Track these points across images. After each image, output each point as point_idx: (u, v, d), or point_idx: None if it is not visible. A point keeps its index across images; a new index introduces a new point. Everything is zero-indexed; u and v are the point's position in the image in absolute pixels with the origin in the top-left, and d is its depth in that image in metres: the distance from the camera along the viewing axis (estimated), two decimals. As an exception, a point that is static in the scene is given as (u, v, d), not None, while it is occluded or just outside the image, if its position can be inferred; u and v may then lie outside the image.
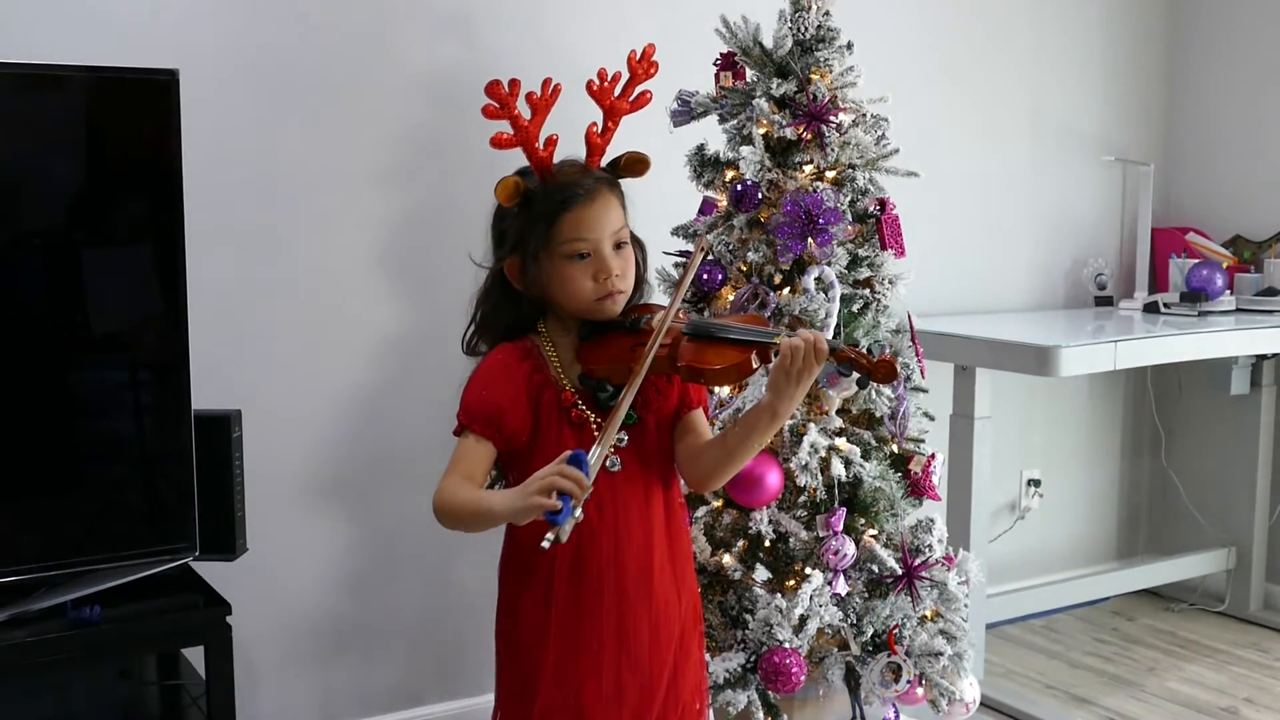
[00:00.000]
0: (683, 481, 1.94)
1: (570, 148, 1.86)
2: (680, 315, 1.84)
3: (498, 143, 1.79)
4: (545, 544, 1.54)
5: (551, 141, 1.80)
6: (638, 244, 1.87)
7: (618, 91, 1.87)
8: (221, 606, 2.25)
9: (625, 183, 1.87)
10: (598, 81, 1.86)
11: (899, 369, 1.72)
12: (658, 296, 2.35)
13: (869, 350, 1.72)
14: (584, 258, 1.77)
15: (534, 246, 1.77)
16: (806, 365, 1.70)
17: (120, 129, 2.22)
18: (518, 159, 1.85)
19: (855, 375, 1.72)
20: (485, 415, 1.76)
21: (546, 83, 1.80)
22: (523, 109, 1.78)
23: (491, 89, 1.76)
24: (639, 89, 1.89)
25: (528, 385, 1.78)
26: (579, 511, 1.56)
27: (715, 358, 1.75)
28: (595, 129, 1.85)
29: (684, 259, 2.60)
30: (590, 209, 1.77)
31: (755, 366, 1.76)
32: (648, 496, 1.84)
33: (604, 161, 1.87)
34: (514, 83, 1.76)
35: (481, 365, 1.82)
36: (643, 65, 1.89)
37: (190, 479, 2.26)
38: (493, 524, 1.71)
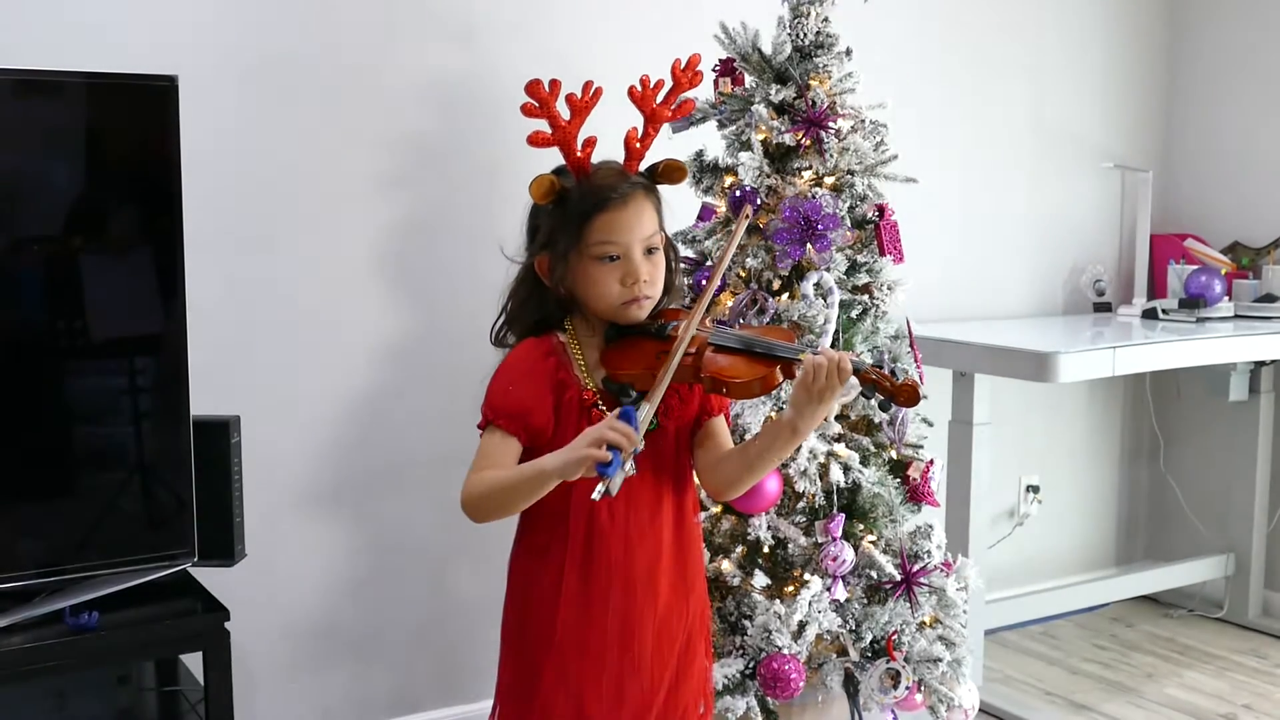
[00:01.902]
0: (700, 489, 1.94)
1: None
2: (707, 325, 1.84)
3: (535, 141, 1.79)
4: (596, 496, 1.58)
5: (590, 143, 1.81)
6: (672, 248, 1.88)
7: (659, 99, 1.87)
8: (220, 612, 2.25)
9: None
10: (640, 88, 1.86)
11: (921, 393, 1.71)
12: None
13: (893, 371, 1.71)
14: (613, 260, 1.78)
15: (564, 246, 1.78)
16: (830, 384, 1.69)
17: (120, 135, 2.23)
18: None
19: (877, 398, 1.71)
20: (510, 411, 1.77)
21: (588, 85, 1.81)
22: (561, 110, 1.78)
23: (532, 88, 1.76)
24: (682, 97, 1.89)
25: (551, 383, 1.79)
26: (629, 465, 1.60)
27: (739, 370, 1.75)
28: (635, 134, 1.85)
29: (684, 264, 2.60)
30: (623, 213, 1.77)
31: (779, 381, 1.75)
32: (660, 502, 1.84)
33: (642, 166, 1.87)
34: (554, 83, 1.77)
35: (505, 362, 1.83)
36: (687, 74, 1.89)
37: (189, 485, 2.26)
38: (541, 489, 1.70)
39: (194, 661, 2.36)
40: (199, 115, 2.38)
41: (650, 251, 1.80)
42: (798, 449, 2.38)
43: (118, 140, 2.23)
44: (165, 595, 2.28)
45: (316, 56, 2.71)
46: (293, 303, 2.73)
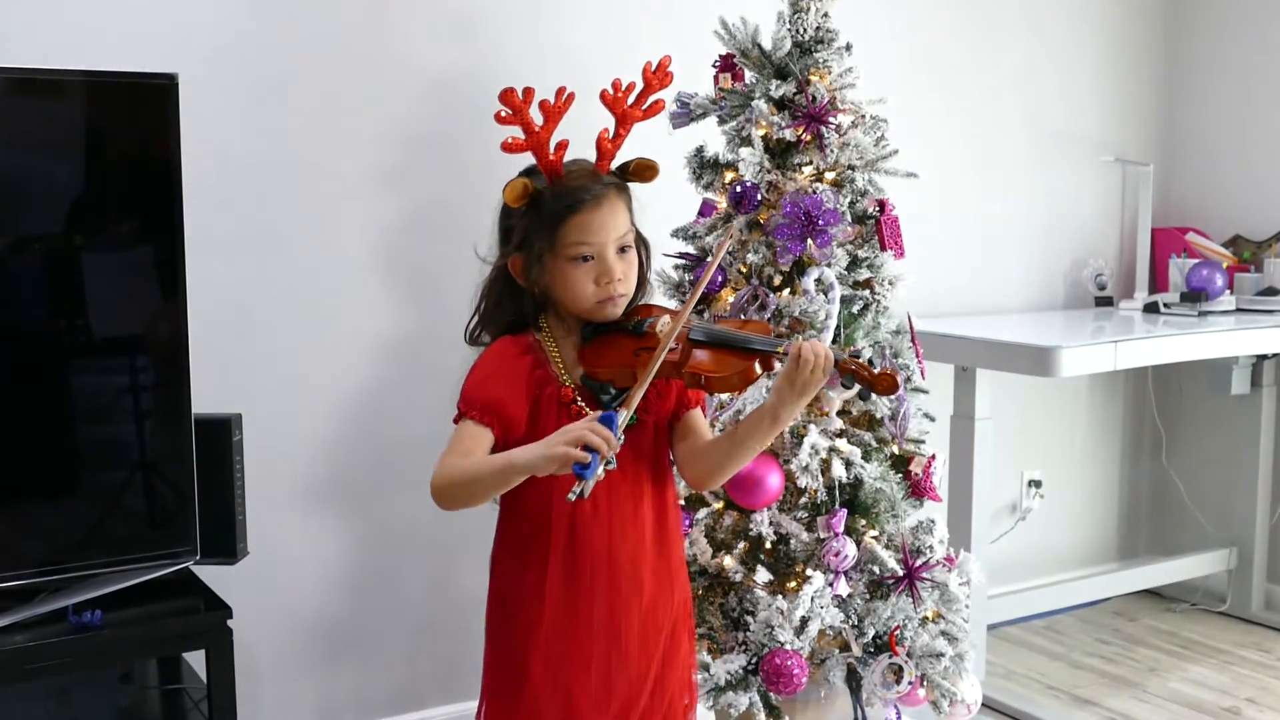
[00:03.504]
0: (681, 481, 1.95)
1: (570, 150, 1.87)
2: (686, 320, 1.85)
3: (508, 148, 1.80)
4: (571, 497, 1.58)
5: (562, 146, 1.82)
6: (643, 244, 1.88)
7: (631, 100, 1.88)
8: (222, 610, 2.25)
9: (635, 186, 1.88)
10: (611, 91, 1.87)
11: (900, 381, 1.72)
12: (657, 297, 2.35)
13: (870, 360, 1.73)
14: (587, 260, 1.79)
15: (539, 247, 1.79)
16: (813, 376, 1.72)
17: (120, 133, 2.23)
18: (523, 159, 1.85)
19: (857, 387, 1.73)
20: (485, 403, 1.77)
21: (560, 91, 1.82)
22: (535, 116, 1.79)
23: (505, 97, 1.78)
24: (652, 98, 1.90)
25: (528, 379, 1.80)
26: (603, 470, 1.59)
27: (719, 365, 1.77)
28: (606, 134, 1.86)
29: (684, 260, 2.60)
30: (597, 214, 1.79)
31: (758, 375, 1.77)
32: (641, 495, 1.85)
33: (613, 165, 1.88)
34: (528, 91, 1.78)
35: (483, 357, 1.84)
36: (658, 76, 1.90)
37: (191, 482, 2.27)
38: (507, 482, 1.70)
39: (197, 659, 2.36)
40: (199, 114, 2.38)
41: (623, 250, 1.82)
42: (798, 444, 2.39)
43: (118, 139, 2.23)
44: (168, 593, 2.28)
45: (316, 54, 2.71)
46: (294, 300, 2.73)
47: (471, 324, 1.91)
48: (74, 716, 2.40)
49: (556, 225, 1.78)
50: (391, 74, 2.79)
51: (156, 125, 2.19)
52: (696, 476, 1.90)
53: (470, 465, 1.72)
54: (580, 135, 1.87)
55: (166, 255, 2.22)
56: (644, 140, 1.98)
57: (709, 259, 1.84)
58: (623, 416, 1.63)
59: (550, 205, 1.79)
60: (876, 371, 1.72)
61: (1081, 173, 3.98)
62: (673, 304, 2.49)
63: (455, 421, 1.80)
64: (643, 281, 1.89)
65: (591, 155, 1.87)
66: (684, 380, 1.80)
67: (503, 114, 1.78)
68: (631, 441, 1.81)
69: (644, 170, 1.87)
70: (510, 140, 1.80)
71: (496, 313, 1.88)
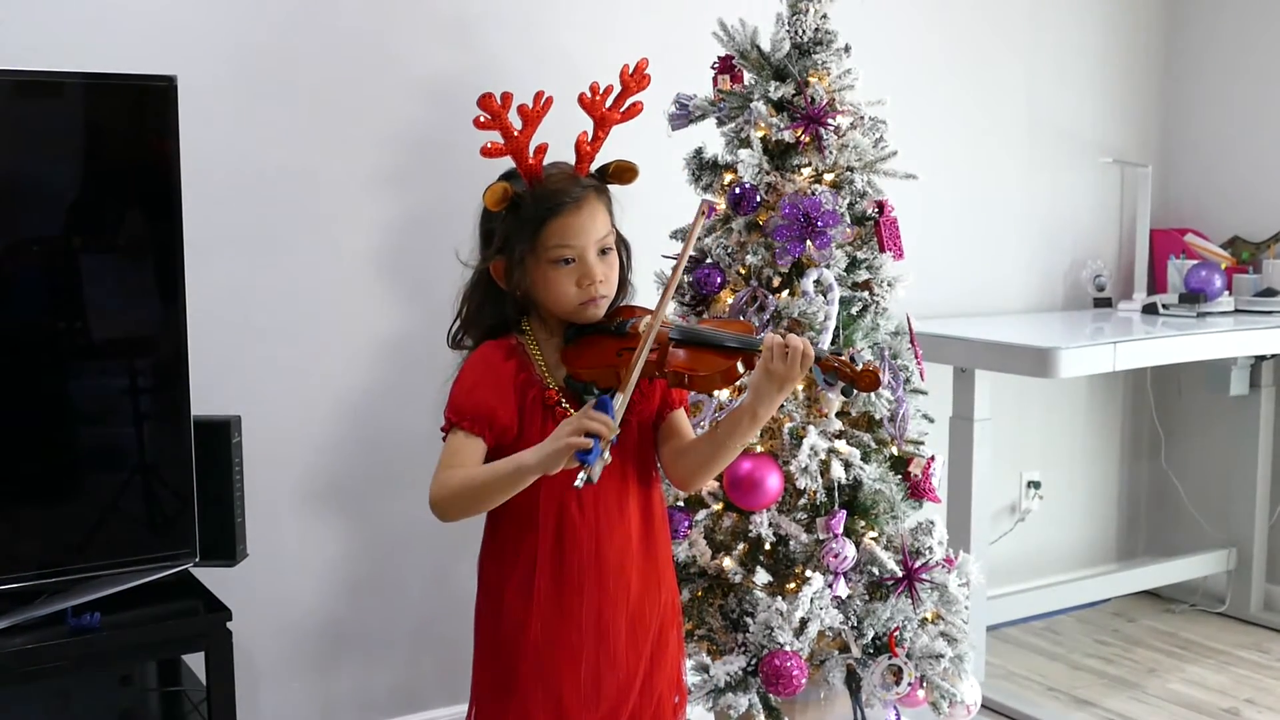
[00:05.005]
0: (666, 481, 1.96)
1: (563, 149, 1.88)
2: (668, 320, 1.85)
3: (488, 153, 1.82)
4: (579, 483, 1.60)
5: (541, 150, 1.83)
6: (623, 245, 1.90)
7: (609, 103, 1.89)
8: (222, 612, 2.25)
9: (617, 188, 1.89)
10: (589, 94, 1.88)
11: (882, 379, 1.73)
12: (652, 297, 2.35)
13: (852, 358, 1.73)
14: (568, 263, 1.80)
15: (520, 250, 1.81)
16: (790, 370, 1.73)
17: (119, 135, 2.23)
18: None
19: (839, 384, 1.74)
20: (474, 412, 1.78)
21: (539, 95, 1.83)
22: (514, 120, 1.80)
23: (484, 102, 1.79)
24: (630, 100, 1.91)
25: (514, 383, 1.81)
26: (608, 454, 1.62)
27: (701, 364, 1.78)
28: (585, 137, 1.87)
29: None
30: (577, 216, 1.80)
31: (741, 373, 1.78)
32: (626, 495, 1.86)
33: (593, 168, 1.89)
34: (506, 95, 1.80)
35: (467, 364, 1.85)
36: (635, 78, 1.92)
37: (190, 485, 2.27)
38: (519, 484, 1.71)
39: (196, 661, 2.36)
40: (199, 115, 2.38)
41: (604, 252, 1.83)
42: (798, 445, 2.39)
43: (117, 141, 2.23)
44: (167, 595, 2.28)
45: (316, 55, 2.71)
46: (293, 302, 2.73)
47: (453, 328, 1.92)
48: (74, 719, 2.40)
49: (537, 228, 1.79)
50: (391, 76, 2.79)
51: (156, 127, 2.19)
52: (681, 477, 1.91)
53: (477, 474, 1.74)
54: (572, 138, 1.87)
55: (166, 257, 2.22)
56: (643, 141, 1.98)
57: (691, 230, 1.84)
58: (618, 400, 1.66)
59: (530, 209, 1.81)
60: (859, 369, 1.73)
61: (1080, 174, 3.99)
62: (669, 306, 2.49)
63: (443, 431, 1.81)
64: (624, 283, 1.90)
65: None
66: (667, 380, 1.81)
67: (481, 119, 1.80)
68: (617, 442, 1.81)
69: (623, 172, 1.89)
70: (490, 145, 1.81)
71: (478, 316, 1.89)
